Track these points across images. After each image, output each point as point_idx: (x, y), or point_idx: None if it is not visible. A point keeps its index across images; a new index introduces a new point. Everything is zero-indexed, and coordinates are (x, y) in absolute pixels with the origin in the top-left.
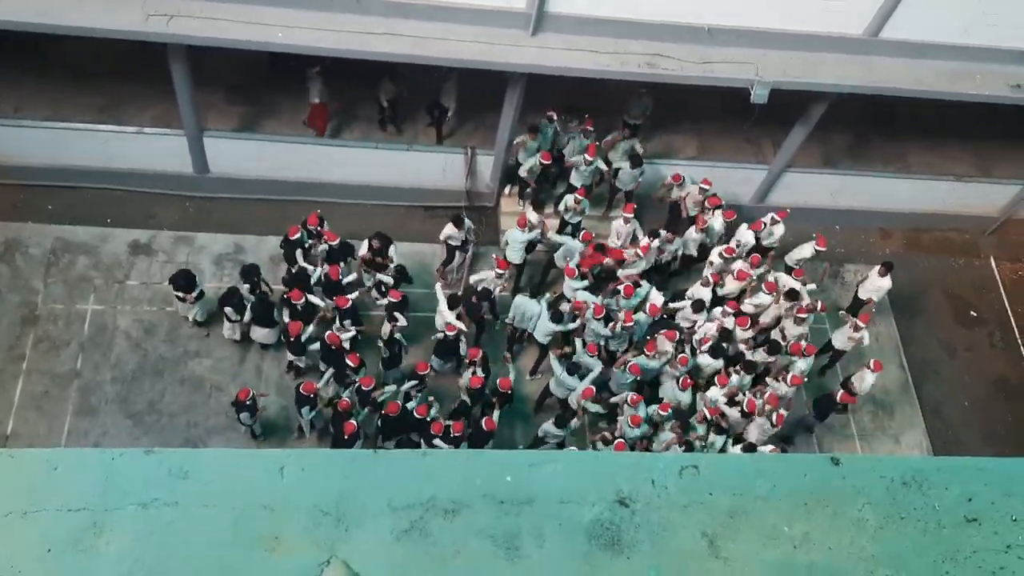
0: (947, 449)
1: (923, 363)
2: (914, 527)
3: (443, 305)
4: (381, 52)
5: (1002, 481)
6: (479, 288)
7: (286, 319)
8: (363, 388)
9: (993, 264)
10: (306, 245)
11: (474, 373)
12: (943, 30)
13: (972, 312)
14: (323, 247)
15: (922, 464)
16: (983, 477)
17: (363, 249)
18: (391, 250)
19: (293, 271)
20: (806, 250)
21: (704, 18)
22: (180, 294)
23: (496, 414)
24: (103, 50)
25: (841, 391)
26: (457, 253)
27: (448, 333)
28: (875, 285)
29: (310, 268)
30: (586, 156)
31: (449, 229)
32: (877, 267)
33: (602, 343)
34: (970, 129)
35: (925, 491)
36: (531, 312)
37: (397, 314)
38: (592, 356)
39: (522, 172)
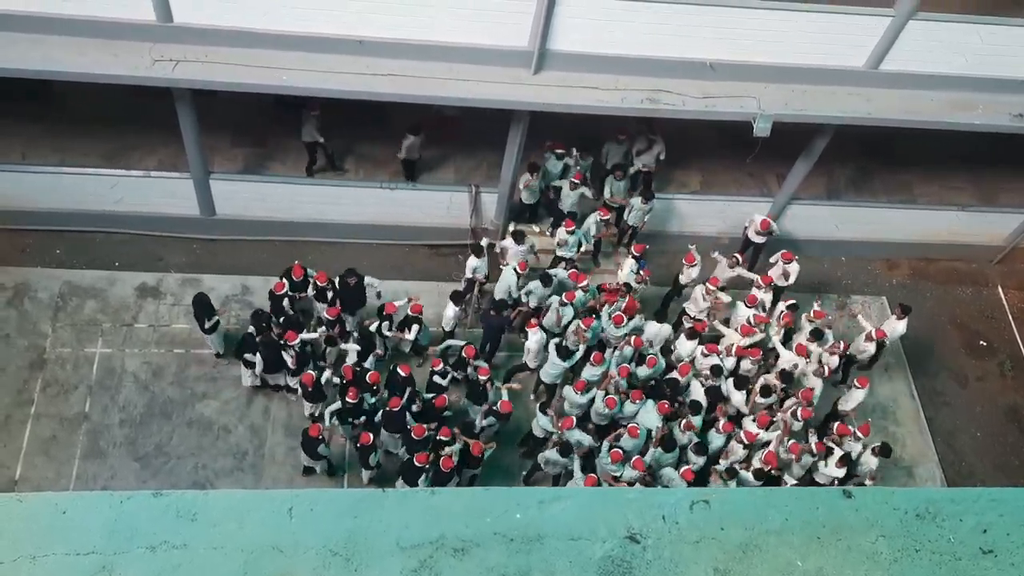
0: (961, 480)
1: (934, 393)
2: (929, 560)
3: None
4: (385, 93)
5: (1018, 511)
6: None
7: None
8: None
9: (1001, 293)
10: (297, 296)
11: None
12: (944, 61)
13: (982, 341)
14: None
15: (936, 495)
16: (998, 508)
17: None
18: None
19: (282, 320)
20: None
21: (705, 53)
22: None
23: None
24: (109, 95)
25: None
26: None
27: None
28: (890, 327)
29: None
30: (572, 181)
31: (472, 261)
32: (895, 311)
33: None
34: (974, 159)
35: (939, 523)
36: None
37: (415, 325)
38: (579, 393)
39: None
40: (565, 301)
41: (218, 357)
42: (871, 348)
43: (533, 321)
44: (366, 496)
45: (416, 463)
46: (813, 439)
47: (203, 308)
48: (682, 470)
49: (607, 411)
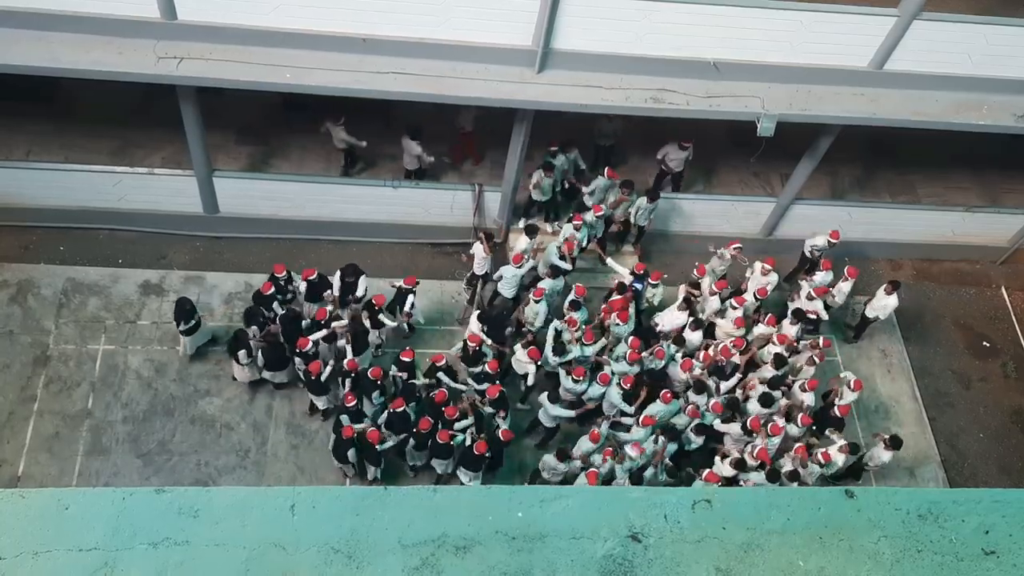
0: (963, 482)
1: (937, 394)
2: (931, 560)
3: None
4: (388, 91)
5: (1020, 513)
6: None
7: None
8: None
9: (1005, 294)
10: (284, 297)
11: (494, 383)
12: (948, 61)
13: (985, 343)
14: (302, 284)
15: (938, 496)
16: (1000, 509)
17: (335, 289)
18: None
19: (279, 317)
20: (820, 239)
21: (709, 52)
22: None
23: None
24: (114, 93)
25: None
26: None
27: (471, 343)
28: (881, 304)
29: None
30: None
31: (477, 248)
32: (884, 285)
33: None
34: (978, 159)
35: (942, 524)
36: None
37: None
38: (579, 380)
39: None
40: (537, 298)
41: (188, 357)
42: (845, 287)
43: (534, 349)
44: (368, 494)
45: (439, 440)
46: (819, 449)
47: (182, 313)
48: (704, 473)
49: (574, 386)
